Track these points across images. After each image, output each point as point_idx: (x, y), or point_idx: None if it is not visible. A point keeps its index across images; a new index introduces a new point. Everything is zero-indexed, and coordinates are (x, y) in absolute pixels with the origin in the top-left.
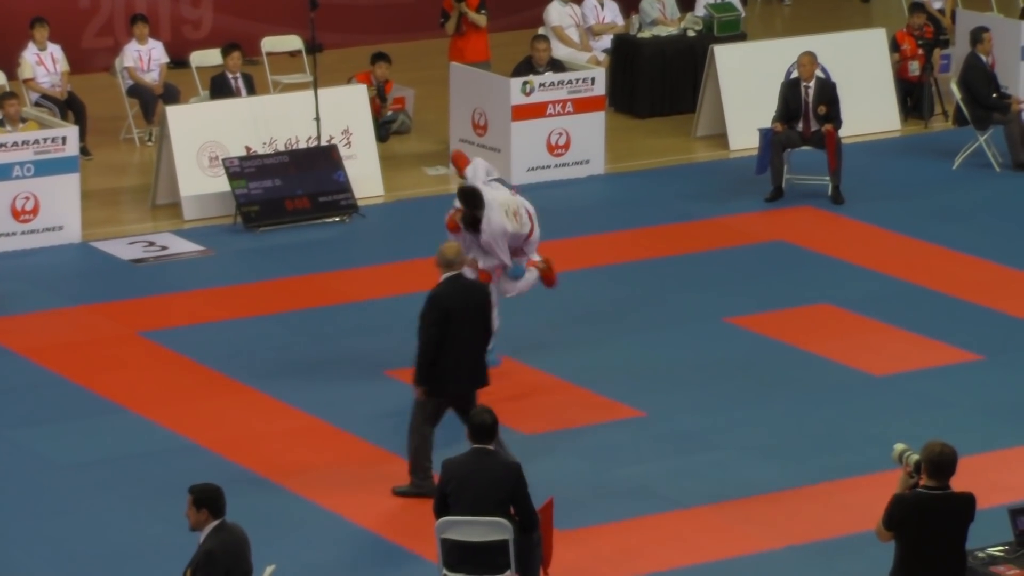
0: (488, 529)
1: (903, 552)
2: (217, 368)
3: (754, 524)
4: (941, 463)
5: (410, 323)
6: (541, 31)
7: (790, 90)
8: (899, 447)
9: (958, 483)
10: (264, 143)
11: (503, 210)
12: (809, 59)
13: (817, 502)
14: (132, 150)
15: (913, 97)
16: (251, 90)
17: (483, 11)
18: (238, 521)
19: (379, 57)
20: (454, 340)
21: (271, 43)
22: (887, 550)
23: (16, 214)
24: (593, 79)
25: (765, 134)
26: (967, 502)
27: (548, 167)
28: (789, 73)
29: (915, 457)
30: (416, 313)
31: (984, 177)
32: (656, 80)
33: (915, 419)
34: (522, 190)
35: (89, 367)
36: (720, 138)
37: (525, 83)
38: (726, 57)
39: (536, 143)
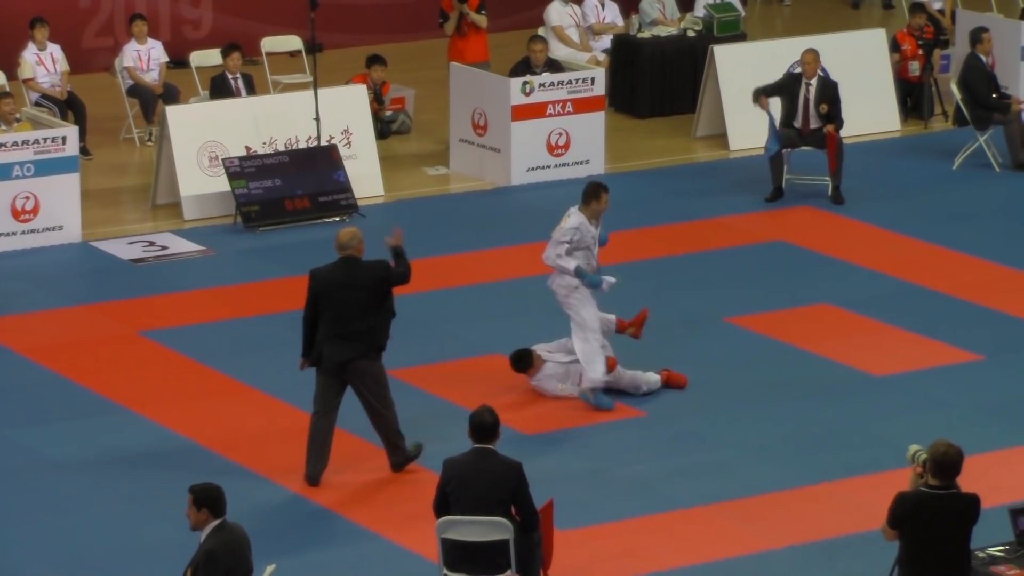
0: (488, 529)
1: (906, 550)
2: (217, 368)
3: (754, 524)
4: (945, 463)
5: (409, 323)
6: (541, 31)
7: (791, 81)
8: (913, 447)
9: (959, 482)
10: (264, 143)
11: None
12: (813, 56)
13: (818, 502)
14: (132, 150)
15: (913, 97)
16: (251, 90)
17: (483, 12)
18: (239, 520)
19: (375, 60)
20: (327, 315)
21: (271, 43)
22: (888, 550)
23: (16, 214)
24: (593, 79)
25: (769, 113)
26: (971, 503)
27: (548, 167)
28: (792, 69)
29: (925, 456)
30: (416, 313)
31: (984, 177)
32: (656, 80)
33: (915, 419)
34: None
35: (89, 367)
36: (720, 138)
37: (525, 83)
38: (726, 57)
39: (536, 143)
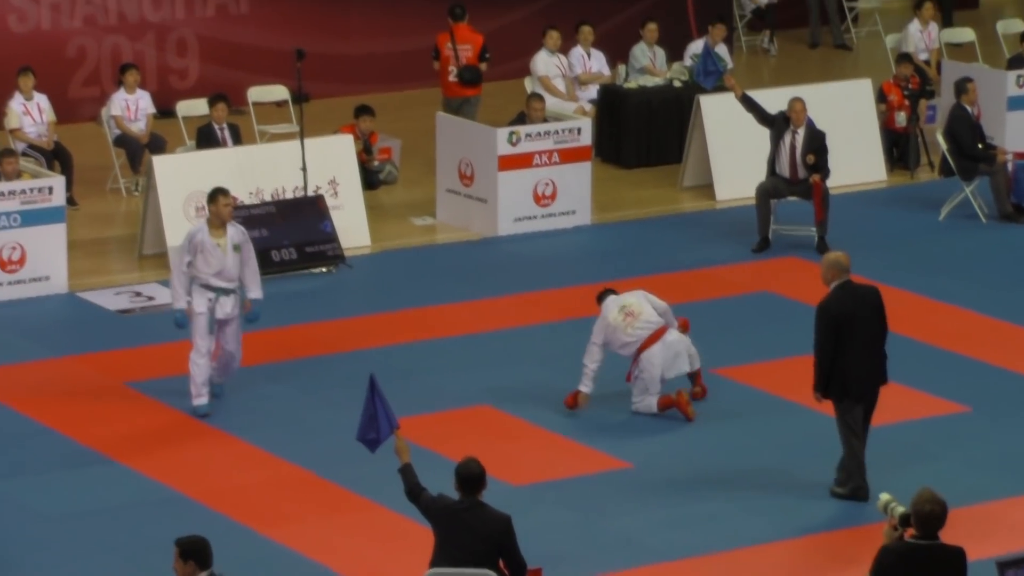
0: None
1: None
2: (203, 419)
3: None
4: (931, 516)
5: (395, 373)
6: (527, 81)
7: (781, 119)
8: (884, 497)
9: (945, 535)
10: (250, 193)
11: (618, 306)
12: (801, 105)
13: (805, 554)
14: (119, 200)
15: (899, 148)
16: (237, 140)
17: (487, 57)
18: (225, 573)
19: (363, 110)
20: (849, 345)
21: (257, 93)
22: None
23: (3, 264)
24: (579, 129)
25: (705, 43)
26: (957, 555)
27: (534, 217)
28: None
29: (900, 509)
30: (401, 363)
31: (970, 228)
32: (642, 130)
33: (902, 471)
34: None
35: (75, 418)
36: (706, 188)
37: (511, 133)
38: (712, 108)
39: (522, 193)
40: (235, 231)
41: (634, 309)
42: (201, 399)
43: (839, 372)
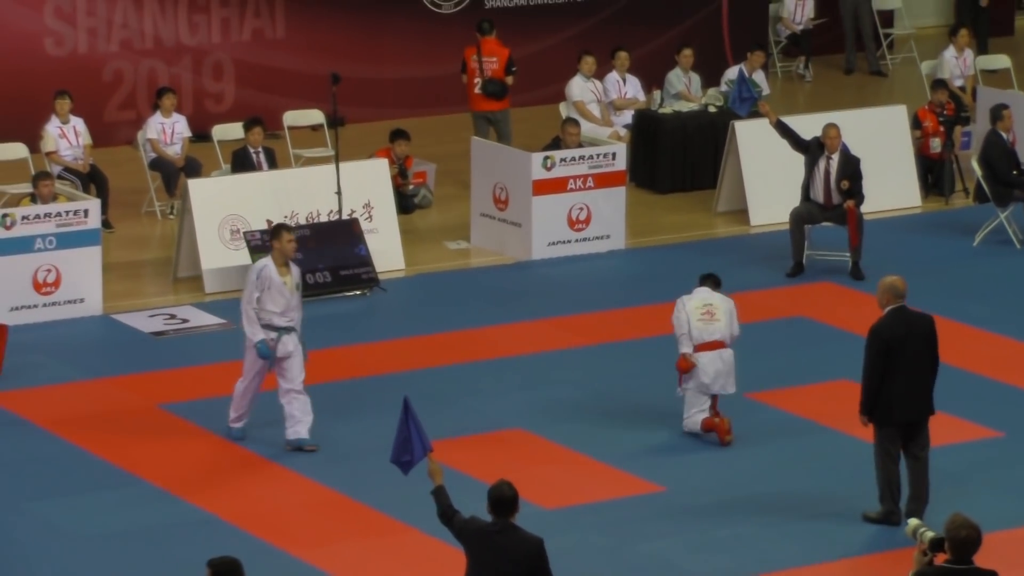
0: None
1: None
2: (237, 441)
3: None
4: (967, 541)
5: (429, 397)
6: (562, 106)
7: (816, 146)
8: (913, 522)
9: (978, 561)
10: (285, 216)
11: (703, 300)
12: (836, 132)
13: None
14: (154, 223)
15: (934, 174)
16: (272, 164)
17: (513, 70)
18: None
19: (398, 135)
20: (897, 371)
21: (293, 117)
22: None
23: (38, 286)
24: (614, 154)
25: (740, 70)
26: None
27: (569, 242)
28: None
29: (930, 534)
30: (436, 387)
31: (1004, 254)
32: (677, 155)
33: (935, 495)
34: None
35: (109, 440)
36: (741, 214)
37: (546, 158)
38: (747, 133)
39: (557, 218)
40: (296, 269)
41: (715, 312)
42: (239, 423)
43: (885, 397)
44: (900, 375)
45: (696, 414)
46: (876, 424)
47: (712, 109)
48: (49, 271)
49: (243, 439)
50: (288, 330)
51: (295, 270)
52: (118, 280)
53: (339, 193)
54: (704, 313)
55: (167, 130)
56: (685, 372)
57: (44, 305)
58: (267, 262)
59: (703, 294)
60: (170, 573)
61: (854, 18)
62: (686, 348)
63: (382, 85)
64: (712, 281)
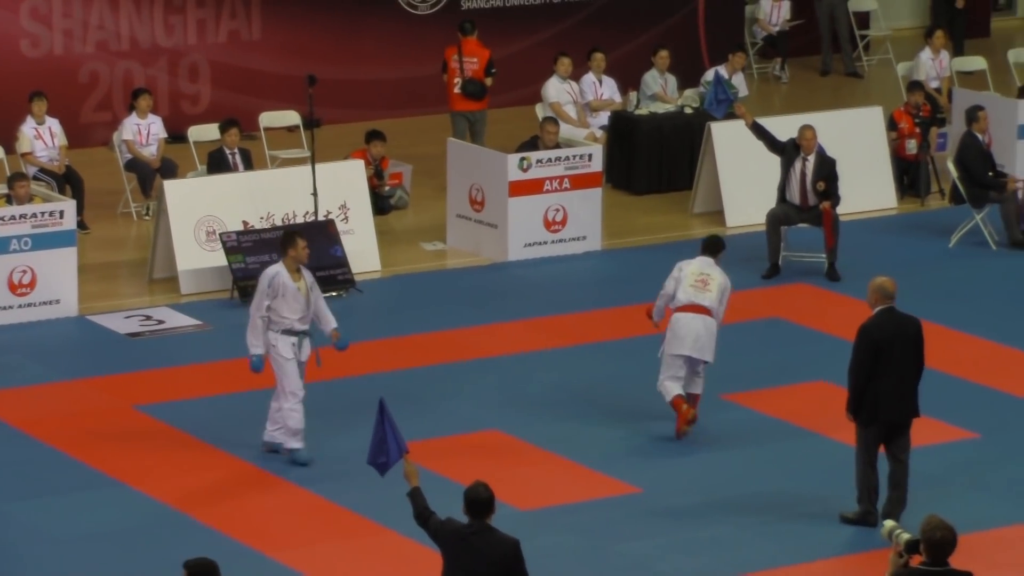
0: None
1: None
2: (213, 442)
3: None
4: (942, 543)
5: (404, 398)
6: (538, 108)
7: (792, 147)
8: (888, 524)
9: (953, 562)
10: (261, 218)
11: (700, 269)
12: (812, 133)
13: None
14: (130, 224)
15: (910, 175)
16: (248, 165)
17: (493, 72)
18: None
19: (374, 135)
20: (884, 371)
21: (269, 118)
22: None
23: (13, 287)
24: (591, 155)
25: (716, 72)
26: None
27: (545, 243)
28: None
29: (905, 536)
30: (411, 388)
31: (980, 255)
32: (653, 157)
33: (910, 497)
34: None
35: (85, 441)
36: (717, 215)
37: (522, 159)
38: (723, 134)
39: (533, 219)
40: (308, 273)
41: (709, 283)
42: (300, 445)
43: (871, 397)
44: (887, 376)
45: (669, 379)
46: (860, 424)
47: (688, 110)
48: (24, 272)
49: (310, 463)
50: (306, 334)
51: (307, 274)
52: (94, 281)
53: (315, 194)
54: (698, 280)
55: (143, 131)
56: (649, 318)
57: (19, 306)
58: (279, 269)
59: (703, 263)
60: (146, 574)
61: (830, 20)
62: (658, 305)
63: (358, 86)
64: (711, 250)
